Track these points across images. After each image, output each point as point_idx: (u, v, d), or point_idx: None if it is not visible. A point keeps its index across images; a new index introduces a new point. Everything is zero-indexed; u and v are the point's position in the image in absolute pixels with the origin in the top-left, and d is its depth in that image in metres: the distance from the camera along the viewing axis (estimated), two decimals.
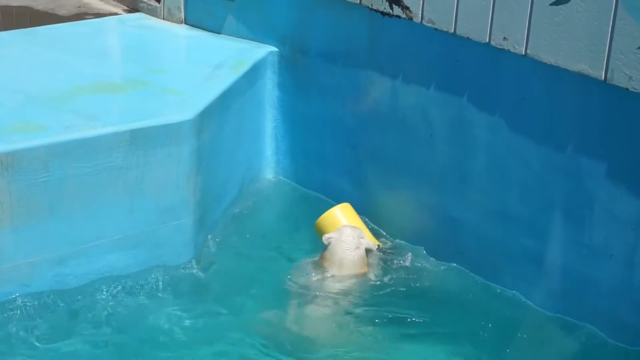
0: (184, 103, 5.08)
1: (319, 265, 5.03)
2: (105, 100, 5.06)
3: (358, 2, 5.18)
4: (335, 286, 4.94)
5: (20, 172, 4.46)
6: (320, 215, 5.23)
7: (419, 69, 5.05)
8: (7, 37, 5.89)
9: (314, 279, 4.97)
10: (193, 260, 5.06)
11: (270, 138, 5.97)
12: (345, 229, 5.04)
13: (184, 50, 6.19)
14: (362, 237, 5.06)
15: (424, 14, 4.86)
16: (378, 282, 5.00)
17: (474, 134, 4.86)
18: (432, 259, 5.18)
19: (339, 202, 5.45)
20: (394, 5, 5.00)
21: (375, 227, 5.40)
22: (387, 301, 4.90)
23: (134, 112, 4.96)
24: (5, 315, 4.55)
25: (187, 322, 4.71)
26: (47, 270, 4.68)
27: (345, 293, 4.91)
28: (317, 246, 5.16)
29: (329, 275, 4.97)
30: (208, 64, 5.61)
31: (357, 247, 5.01)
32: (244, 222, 5.50)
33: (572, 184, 4.50)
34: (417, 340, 4.69)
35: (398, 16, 5.00)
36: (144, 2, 6.50)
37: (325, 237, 5.04)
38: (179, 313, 4.75)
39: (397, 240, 5.32)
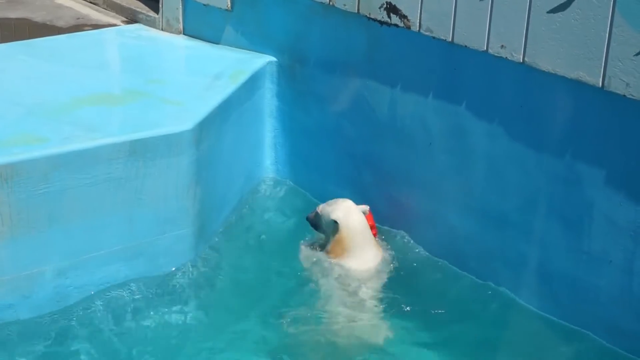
0: (183, 113, 5.09)
1: (326, 256, 5.06)
2: (104, 111, 5.07)
3: (356, 11, 5.19)
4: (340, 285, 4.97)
5: (19, 184, 4.46)
6: None
7: (417, 77, 5.06)
8: (5, 49, 5.90)
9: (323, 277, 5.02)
10: (193, 271, 5.06)
11: (270, 148, 5.98)
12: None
13: (182, 60, 6.20)
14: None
15: (422, 22, 4.87)
16: (379, 283, 5.02)
17: (473, 141, 4.87)
18: (431, 266, 5.18)
19: None
20: (391, 14, 5.02)
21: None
22: (384, 305, 4.91)
23: (133, 123, 4.97)
24: (5, 327, 4.55)
25: (188, 333, 4.71)
26: (47, 281, 4.68)
27: (346, 296, 4.93)
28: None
29: (339, 268, 4.99)
30: (207, 74, 5.62)
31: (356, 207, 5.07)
32: (244, 232, 5.50)
33: (570, 191, 4.50)
34: (415, 346, 4.70)
35: (396, 25, 5.02)
36: (143, 13, 6.52)
37: (333, 215, 5.04)
38: (180, 324, 4.76)
39: (395, 248, 5.32)
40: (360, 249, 5.01)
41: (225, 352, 4.61)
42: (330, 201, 5.18)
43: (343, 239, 5.00)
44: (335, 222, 4.98)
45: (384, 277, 5.04)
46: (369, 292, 4.94)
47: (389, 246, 5.25)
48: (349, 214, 5.02)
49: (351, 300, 4.89)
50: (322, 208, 5.14)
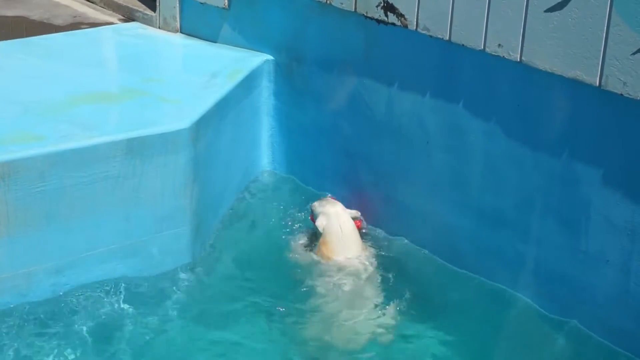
0: (180, 112, 5.09)
1: (316, 257, 5.15)
2: (101, 109, 5.06)
3: (353, 10, 5.19)
4: (330, 281, 5.01)
5: (17, 182, 4.46)
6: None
7: (414, 76, 5.06)
8: (3, 47, 5.89)
9: (314, 274, 5.07)
10: (190, 269, 5.06)
11: (267, 146, 5.98)
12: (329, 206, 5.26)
13: (179, 59, 6.19)
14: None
15: (419, 21, 4.87)
16: (373, 282, 5.03)
17: (470, 140, 4.87)
18: (428, 264, 5.19)
19: None
20: (389, 13, 5.02)
21: (372, 232, 5.43)
22: (380, 303, 4.93)
23: (130, 121, 4.97)
24: (1, 325, 4.55)
25: (185, 331, 4.71)
26: (44, 279, 4.68)
27: (340, 293, 4.96)
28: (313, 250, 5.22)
29: (328, 265, 5.07)
30: (204, 72, 5.62)
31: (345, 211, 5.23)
32: (241, 230, 5.51)
33: (567, 190, 4.51)
34: (411, 342, 4.71)
35: (393, 24, 5.02)
36: (140, 12, 6.51)
37: (318, 222, 5.18)
38: (176, 321, 4.75)
39: (392, 246, 5.33)
40: (345, 252, 5.11)
41: (223, 349, 4.61)
42: (323, 200, 5.25)
43: (327, 243, 5.13)
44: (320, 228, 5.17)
45: (375, 274, 5.06)
46: (364, 291, 4.96)
47: (376, 245, 5.32)
48: (334, 220, 5.15)
49: (346, 297, 4.91)
50: (314, 206, 5.27)
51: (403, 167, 5.25)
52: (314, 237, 5.27)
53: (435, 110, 5.00)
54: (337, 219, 5.16)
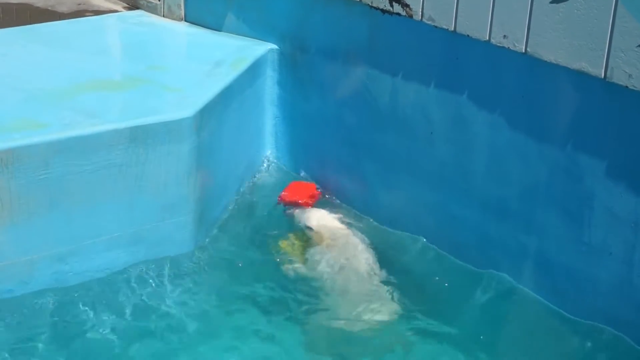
0: (184, 100, 5.08)
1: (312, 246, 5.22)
2: (105, 97, 5.06)
3: None
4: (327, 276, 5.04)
5: (20, 170, 4.46)
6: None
7: (418, 66, 5.05)
8: (6, 35, 5.89)
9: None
10: (193, 258, 5.06)
11: (270, 135, 5.98)
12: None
13: (184, 47, 6.19)
14: None
15: (424, 11, 4.86)
16: (374, 273, 5.03)
17: (474, 131, 4.87)
18: (431, 255, 5.18)
19: (338, 199, 5.50)
20: (393, 3, 5.01)
21: (375, 223, 5.43)
22: (381, 295, 4.92)
23: (133, 109, 4.97)
24: (3, 312, 4.55)
25: (187, 320, 4.71)
26: (47, 267, 4.68)
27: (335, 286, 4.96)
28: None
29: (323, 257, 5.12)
30: (208, 61, 5.62)
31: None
32: (244, 219, 5.51)
33: (571, 182, 4.50)
34: (413, 334, 4.71)
35: (398, 14, 5.01)
36: (144, 0, 6.51)
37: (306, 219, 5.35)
38: (178, 310, 4.76)
39: (395, 237, 5.33)
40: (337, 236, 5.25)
41: (225, 340, 4.61)
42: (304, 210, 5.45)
43: (320, 233, 5.27)
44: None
45: (375, 265, 5.08)
46: (365, 282, 4.98)
47: (377, 235, 5.34)
48: (324, 217, 5.33)
49: (347, 289, 4.91)
50: (297, 213, 5.45)
51: (406, 158, 5.25)
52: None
53: (439, 101, 4.99)
54: (326, 215, 5.32)
